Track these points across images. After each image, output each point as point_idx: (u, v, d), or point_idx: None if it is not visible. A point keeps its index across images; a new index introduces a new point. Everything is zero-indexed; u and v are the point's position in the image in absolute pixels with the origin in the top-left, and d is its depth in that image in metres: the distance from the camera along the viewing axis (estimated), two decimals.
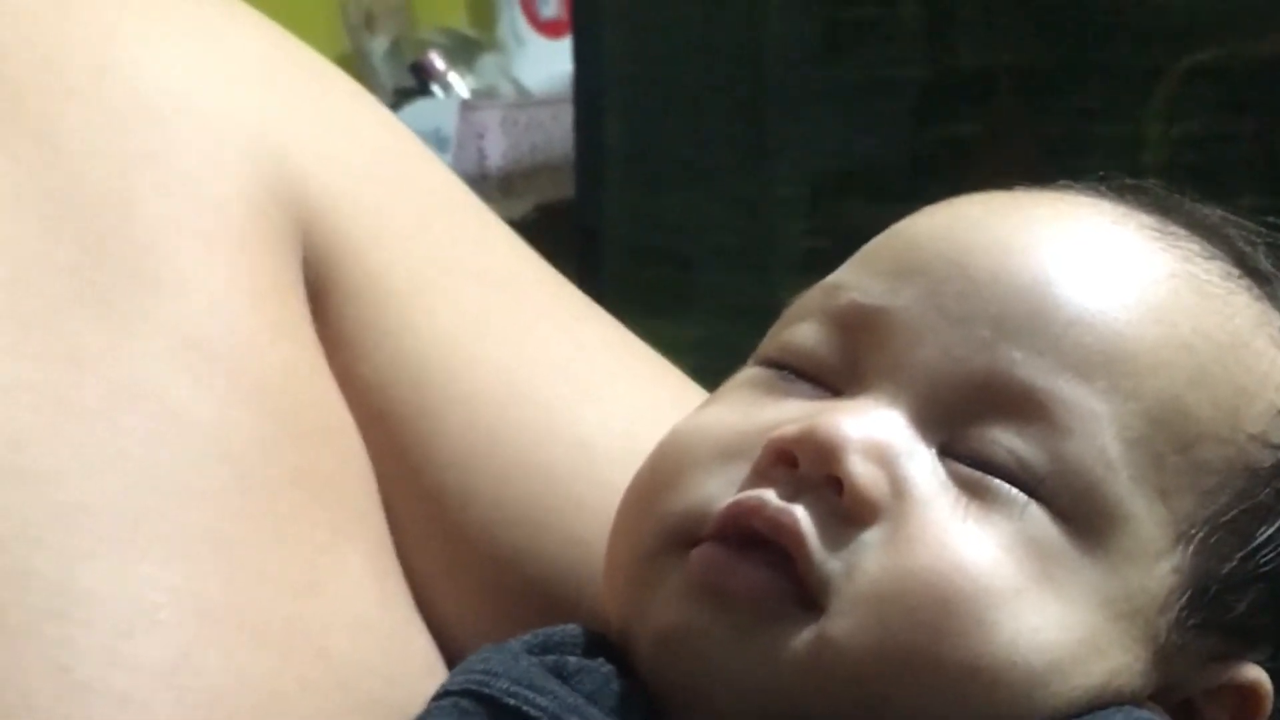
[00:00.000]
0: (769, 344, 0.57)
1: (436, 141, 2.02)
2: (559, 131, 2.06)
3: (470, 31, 2.39)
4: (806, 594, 0.51)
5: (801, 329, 0.55)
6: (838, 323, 0.55)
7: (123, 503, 0.51)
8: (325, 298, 0.58)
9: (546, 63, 2.26)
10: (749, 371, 0.56)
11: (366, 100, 0.62)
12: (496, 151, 2.03)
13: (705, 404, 0.57)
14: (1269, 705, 0.55)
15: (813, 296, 0.56)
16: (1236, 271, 0.56)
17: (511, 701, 0.52)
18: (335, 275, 0.58)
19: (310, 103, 0.60)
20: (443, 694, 0.53)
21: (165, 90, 0.56)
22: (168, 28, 0.57)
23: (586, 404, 0.61)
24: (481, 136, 2.05)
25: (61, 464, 0.50)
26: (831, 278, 0.56)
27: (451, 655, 0.58)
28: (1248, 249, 0.57)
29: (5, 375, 0.50)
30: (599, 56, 1.89)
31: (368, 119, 0.62)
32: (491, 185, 2.02)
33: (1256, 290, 0.56)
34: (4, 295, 0.51)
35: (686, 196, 2.04)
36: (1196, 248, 0.56)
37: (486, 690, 0.52)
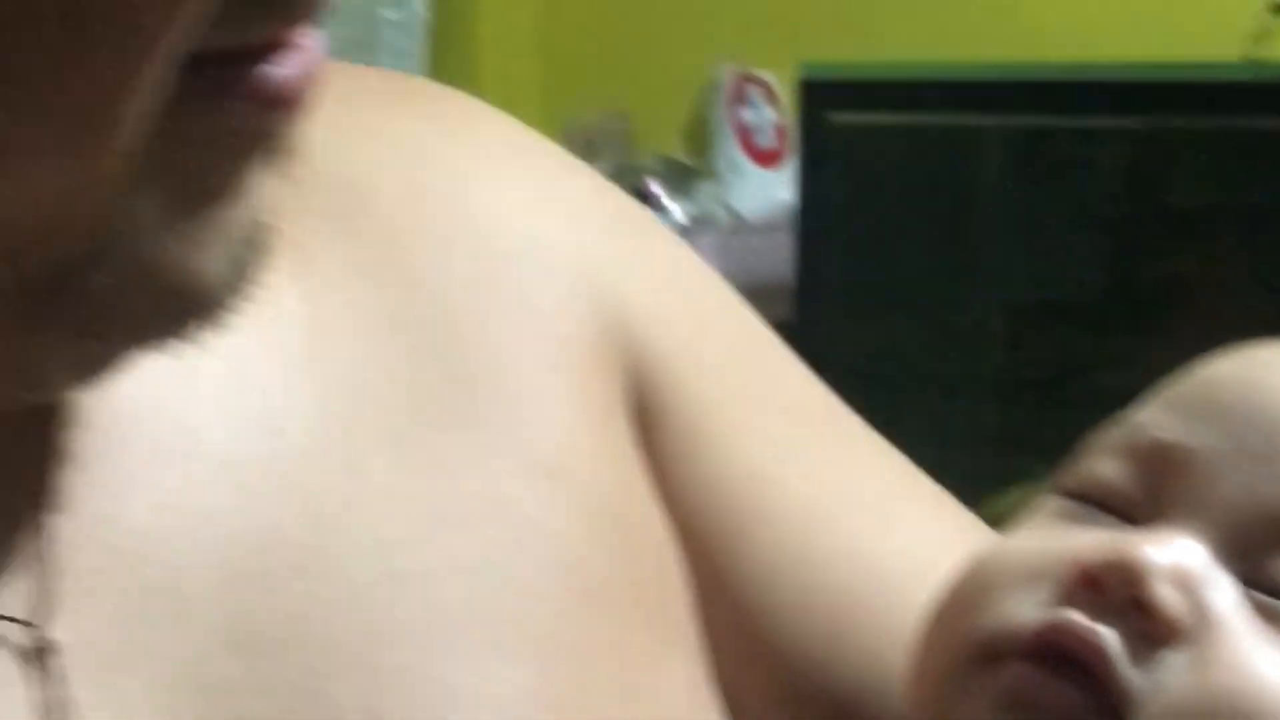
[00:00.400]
0: (1069, 477, 0.60)
1: None
2: (772, 257, 2.10)
3: (687, 160, 2.44)
4: (1113, 711, 0.55)
5: (1102, 464, 0.59)
6: (1139, 459, 0.58)
7: (484, 606, 0.55)
8: (648, 424, 0.62)
9: (761, 191, 2.31)
10: (1051, 502, 0.60)
11: (680, 243, 0.67)
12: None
13: (1009, 534, 0.60)
14: None
15: (1113, 433, 0.60)
16: None
17: None
18: (658, 404, 0.62)
19: (635, 245, 0.64)
20: None
21: (514, 232, 0.61)
22: (514, 176, 0.62)
23: (883, 531, 0.64)
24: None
25: (431, 567, 0.54)
26: (1132, 416, 0.60)
27: None
28: None
29: (384, 485, 0.55)
30: (822, 187, 1.93)
31: (682, 260, 0.66)
32: None
33: None
34: (387, 415, 0.56)
35: (896, 323, 2.08)
36: None
37: None
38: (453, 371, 0.58)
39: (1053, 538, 0.58)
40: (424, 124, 0.61)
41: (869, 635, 0.63)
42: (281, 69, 0.42)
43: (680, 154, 2.45)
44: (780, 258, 2.06)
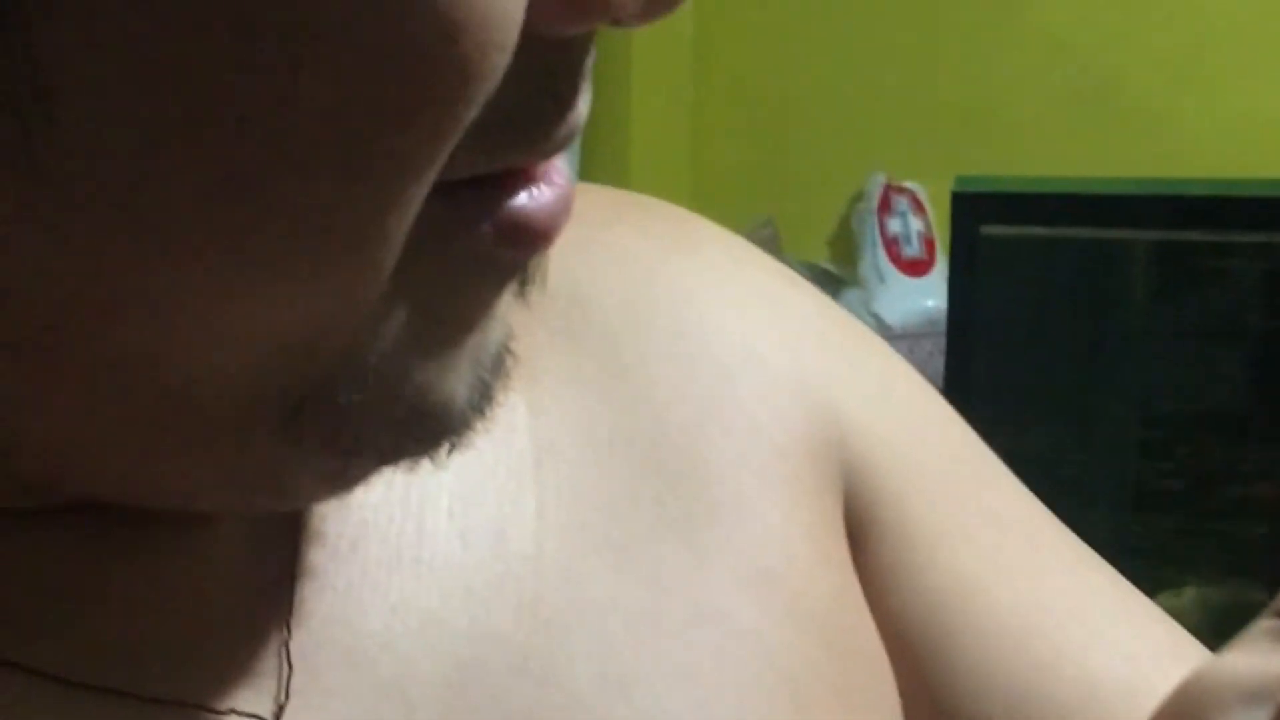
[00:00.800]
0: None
1: None
2: (916, 364, 2.12)
3: (833, 267, 2.47)
4: None
5: None
6: None
7: (701, 712, 0.55)
8: (864, 536, 0.63)
9: (907, 299, 2.33)
10: (1267, 623, 0.58)
11: (895, 356, 0.69)
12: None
13: (1225, 649, 0.59)
14: None
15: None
16: None
17: None
18: (871, 517, 0.64)
19: (851, 359, 0.66)
20: None
21: (733, 345, 0.62)
22: (736, 292, 0.64)
23: (1093, 644, 0.63)
24: None
25: (648, 673, 0.54)
26: None
27: None
28: None
29: (602, 592, 0.56)
30: (970, 296, 1.96)
31: (897, 374, 0.67)
32: None
33: None
34: (606, 523, 0.57)
35: (1039, 431, 2.10)
36: None
37: None
38: (670, 483, 0.58)
39: (1269, 659, 0.56)
40: (646, 240, 0.63)
41: None
42: (538, 202, 0.43)
43: (828, 262, 2.48)
44: (926, 365, 2.09)
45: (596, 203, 0.63)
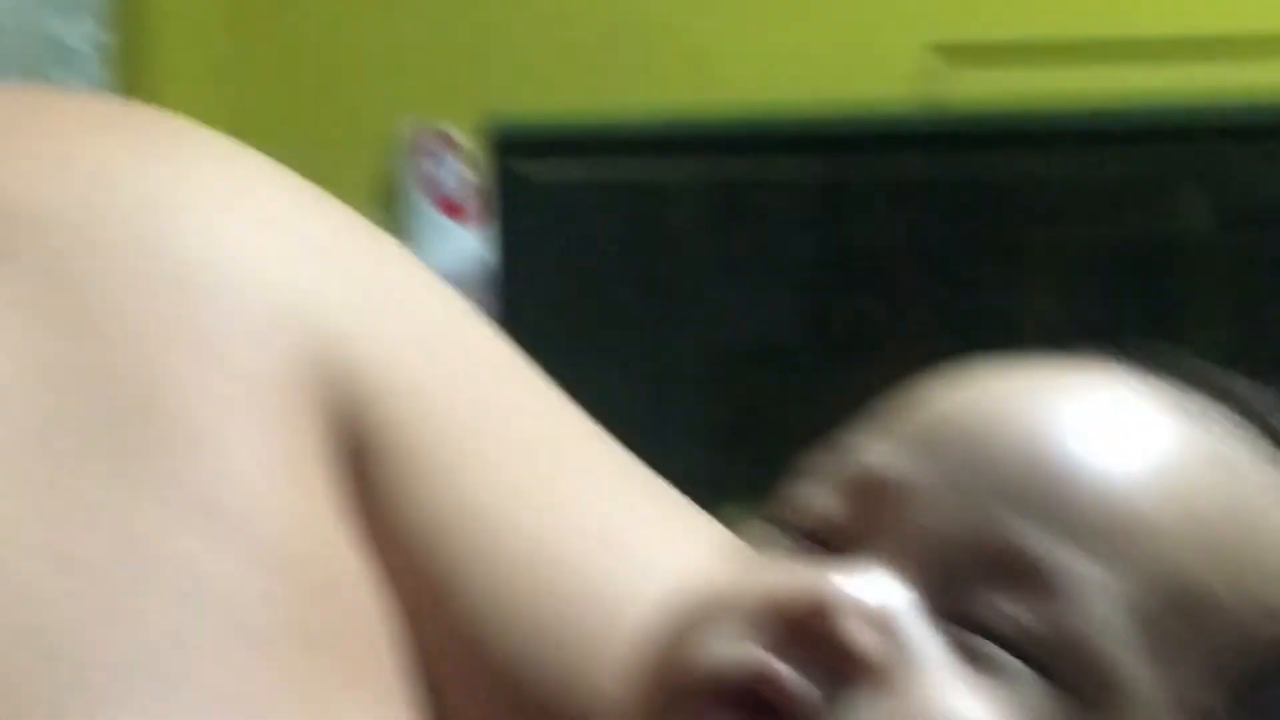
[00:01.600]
0: (778, 503, 0.58)
1: None
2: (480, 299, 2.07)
3: (375, 216, 2.40)
4: None
5: (810, 490, 0.57)
6: (848, 487, 0.56)
7: (136, 660, 0.52)
8: (364, 464, 0.60)
9: (451, 244, 2.28)
10: (761, 528, 0.58)
11: (421, 273, 0.64)
12: None
13: (718, 566, 0.59)
14: None
15: (825, 459, 0.58)
16: (1265, 445, 0.57)
17: None
18: (377, 444, 0.60)
19: (370, 285, 0.62)
20: None
21: (206, 267, 0.58)
22: (226, 212, 0.60)
23: (621, 566, 0.62)
24: None
25: (65, 620, 0.52)
26: (846, 442, 0.58)
27: None
28: (1275, 421, 0.58)
29: (16, 535, 0.52)
30: (516, 239, 1.92)
31: (419, 290, 0.64)
32: None
33: None
34: (29, 459, 0.53)
35: (591, 373, 2.07)
36: (1219, 419, 0.57)
37: None
38: (116, 414, 0.55)
39: (759, 572, 0.56)
40: (117, 150, 0.59)
41: (599, 677, 0.60)
42: None
43: (368, 210, 2.41)
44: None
45: (67, 110, 0.59)
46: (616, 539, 0.63)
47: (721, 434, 2.02)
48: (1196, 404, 0.57)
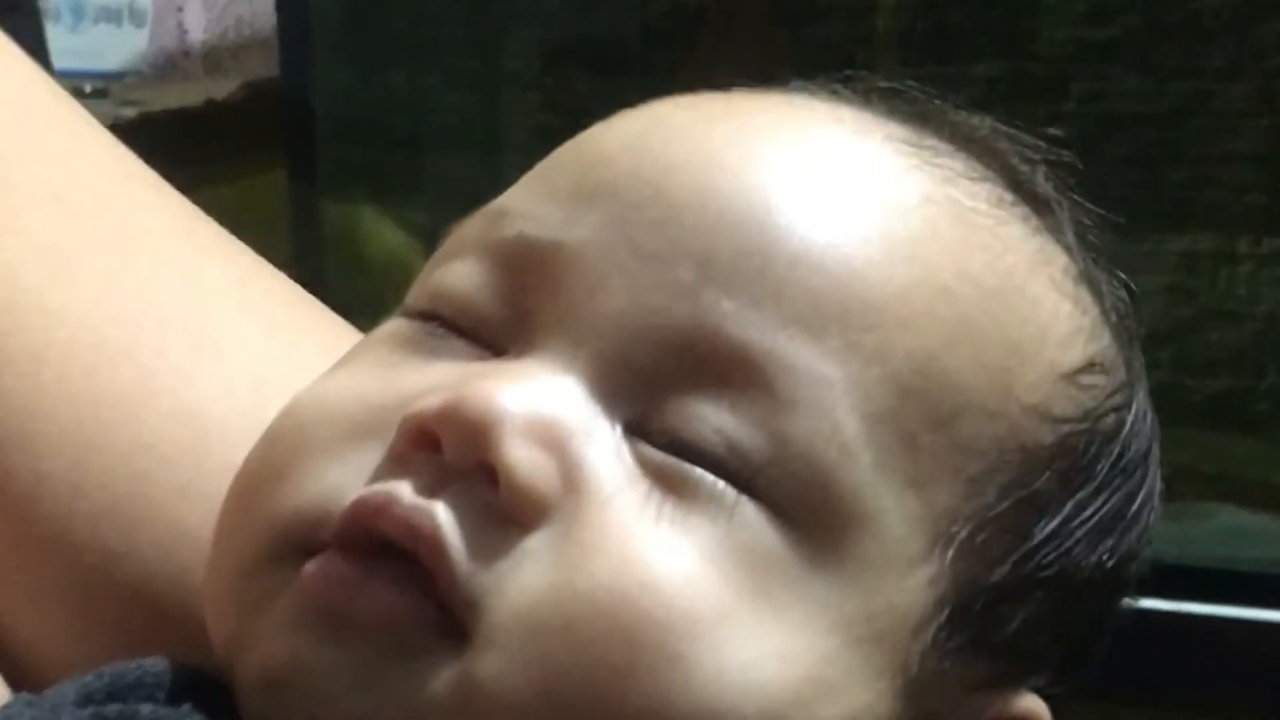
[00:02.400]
0: (417, 289, 0.44)
1: (132, 16, 1.85)
2: (267, 3, 1.90)
3: None
4: (449, 620, 0.39)
5: (457, 269, 0.43)
6: (502, 261, 0.42)
7: None
8: None
9: None
10: (391, 325, 0.44)
11: None
12: (197, 26, 1.87)
13: (334, 368, 0.44)
14: None
15: (473, 227, 0.44)
16: (1010, 196, 0.44)
17: None
18: None
19: None
20: None
21: None
22: None
23: (203, 362, 0.49)
24: (180, 9, 1.89)
25: None
26: (496, 202, 0.44)
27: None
28: (1024, 168, 0.45)
29: None
30: None
31: None
32: (195, 62, 1.86)
33: (1034, 220, 0.44)
34: None
35: (409, 72, 1.92)
36: (960, 166, 0.43)
37: None
38: None
39: (387, 377, 0.42)
40: None
41: (178, 510, 0.47)
42: None
43: None
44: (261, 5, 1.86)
45: None
46: (200, 327, 0.49)
47: (548, 137, 1.88)
48: (936, 148, 0.44)
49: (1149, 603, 0.46)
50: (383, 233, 1.69)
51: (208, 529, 0.44)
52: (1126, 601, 0.45)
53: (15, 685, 0.46)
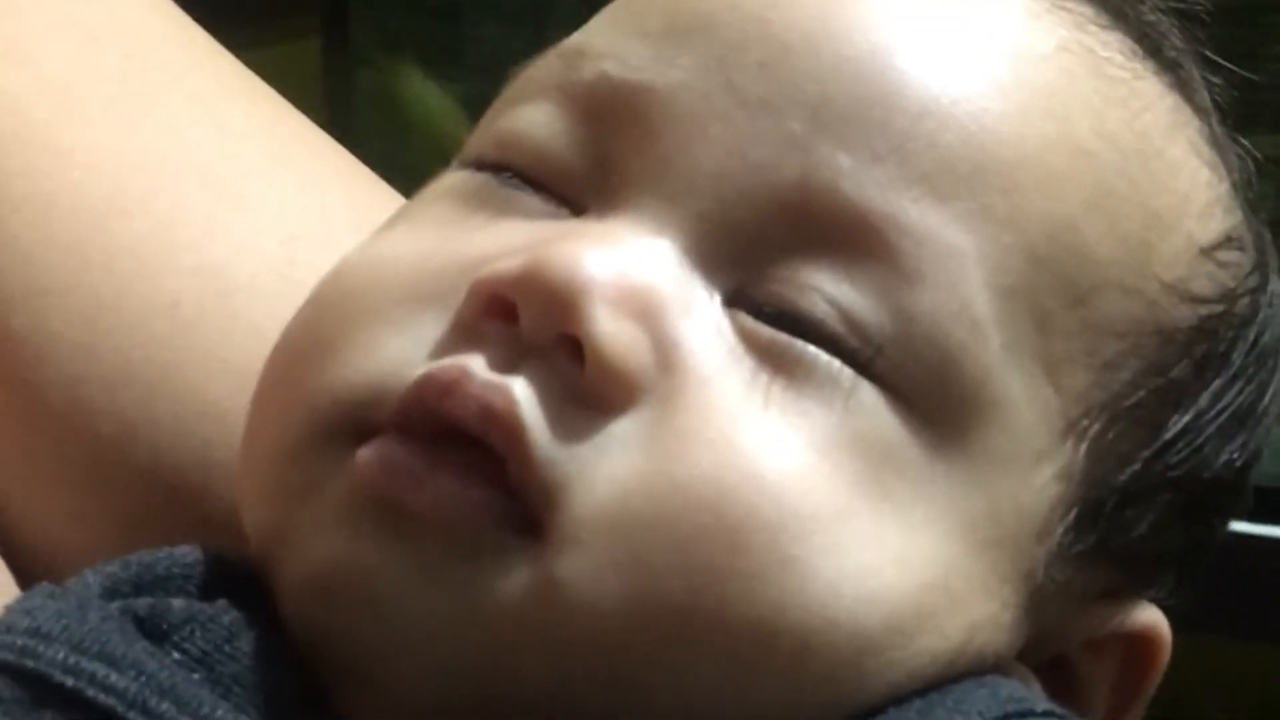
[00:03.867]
0: (483, 135, 0.39)
1: None
2: None
3: None
4: (525, 512, 0.35)
5: (529, 114, 0.38)
6: (582, 106, 0.38)
7: None
8: None
9: None
10: (452, 178, 0.39)
11: None
12: None
13: (388, 225, 0.39)
14: (1165, 658, 0.39)
15: (546, 67, 0.39)
16: (1140, 49, 0.39)
17: (70, 682, 0.34)
18: None
19: None
20: None
21: None
22: None
23: (228, 214, 0.44)
24: None
25: None
26: (573, 39, 0.39)
27: (35, 577, 0.41)
28: (1152, 19, 0.40)
29: None
30: None
31: None
32: None
33: (1167, 76, 0.39)
34: None
35: None
36: (1090, 11, 0.39)
37: (30, 664, 0.35)
38: None
39: (452, 236, 0.37)
40: None
41: (199, 377, 0.43)
42: None
43: None
44: None
45: None
46: (223, 174, 0.44)
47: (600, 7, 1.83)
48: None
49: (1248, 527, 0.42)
50: (424, 98, 1.64)
51: (233, 400, 0.41)
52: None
53: (15, 569, 0.41)
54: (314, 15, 1.67)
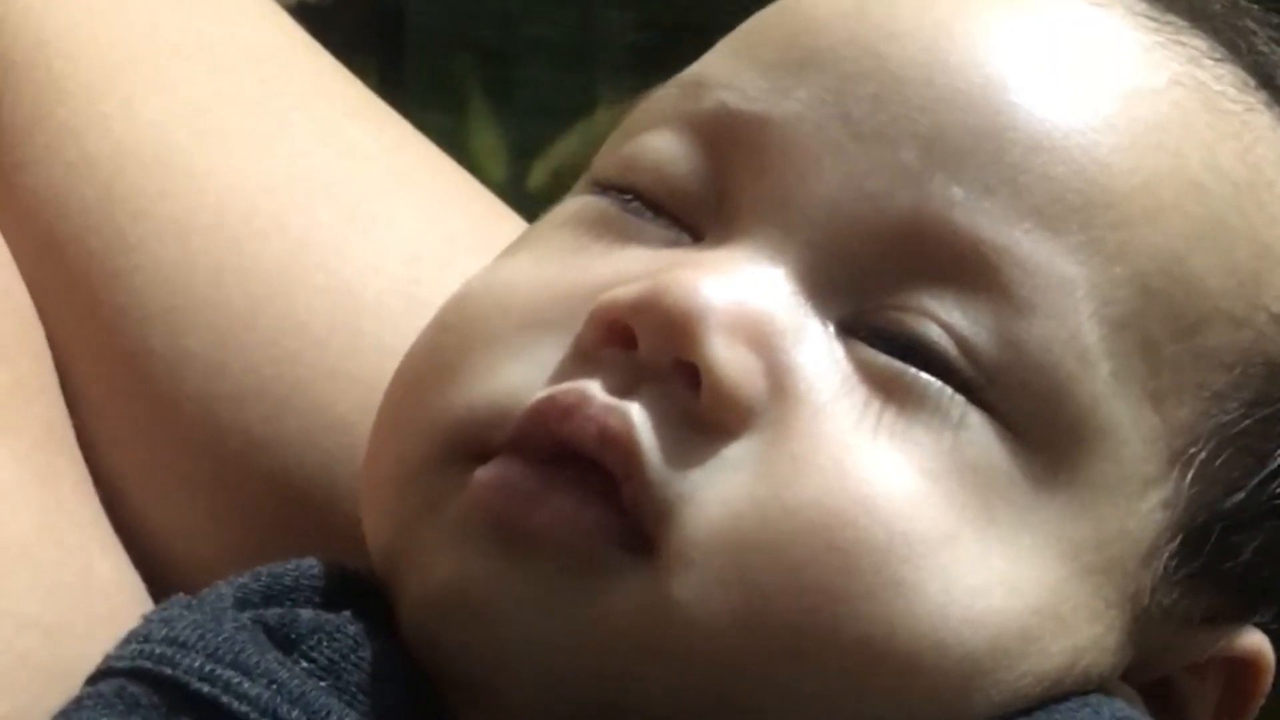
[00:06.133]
0: (606, 159, 0.40)
1: None
2: None
3: None
4: (638, 532, 0.35)
5: (652, 141, 0.39)
6: (702, 135, 0.38)
7: None
8: None
9: None
10: (576, 203, 0.40)
11: None
12: None
13: (511, 250, 0.40)
14: (1269, 682, 0.40)
15: (666, 97, 0.40)
16: (1253, 81, 0.40)
17: (205, 689, 0.35)
18: (11, 61, 0.44)
19: None
20: (106, 671, 0.37)
21: None
22: None
23: (355, 235, 0.45)
24: None
25: None
26: (691, 70, 0.40)
27: (168, 587, 0.42)
28: (1266, 50, 0.41)
29: None
30: None
31: None
32: None
33: (1278, 109, 0.40)
34: None
35: None
36: (1203, 44, 0.39)
37: (169, 672, 0.36)
38: None
39: (573, 262, 0.38)
40: None
41: (326, 393, 0.44)
42: None
43: None
44: None
45: None
46: (351, 197, 0.45)
47: (644, 57, 1.84)
48: (1176, 24, 0.40)
49: None
50: (481, 139, 1.65)
51: (359, 416, 0.41)
52: None
53: (148, 578, 0.42)
54: (371, 56, 1.69)
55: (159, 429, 0.43)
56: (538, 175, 1.56)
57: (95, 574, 0.41)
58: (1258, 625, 0.40)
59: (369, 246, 0.44)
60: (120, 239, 0.43)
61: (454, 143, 1.74)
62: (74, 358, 0.43)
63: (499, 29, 1.86)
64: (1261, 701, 0.40)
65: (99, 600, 0.40)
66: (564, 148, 1.56)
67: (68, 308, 0.43)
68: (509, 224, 0.45)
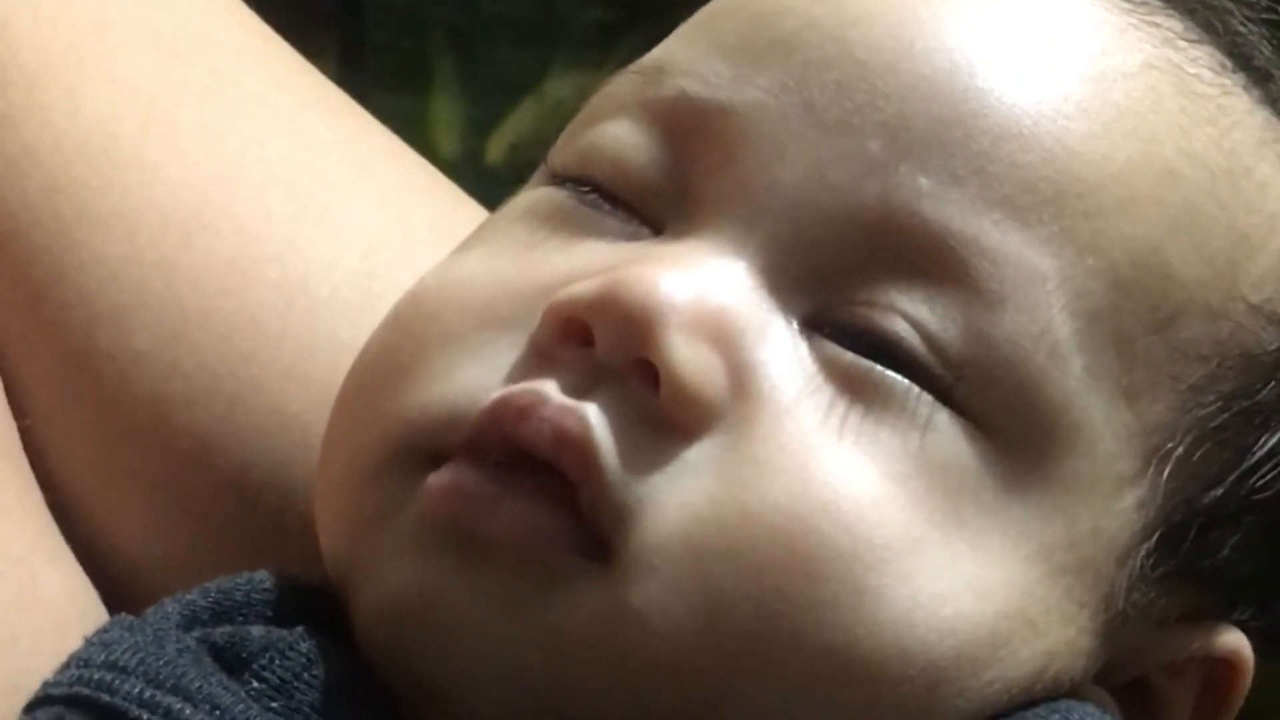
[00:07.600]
0: (564, 150, 0.39)
1: None
2: None
3: None
4: (595, 537, 0.34)
5: (610, 130, 0.38)
6: (662, 124, 0.37)
7: None
8: None
9: None
10: (533, 195, 0.39)
11: None
12: None
13: (466, 245, 0.39)
14: (1247, 682, 0.39)
15: (626, 84, 0.38)
16: (1229, 62, 0.39)
17: (144, 716, 0.34)
18: None
19: None
20: (44, 699, 0.36)
21: None
22: None
23: (310, 228, 0.44)
24: None
25: None
26: (652, 56, 0.39)
27: (121, 591, 0.41)
28: (1243, 30, 0.39)
29: None
30: None
31: None
32: None
33: (1255, 91, 0.39)
34: None
35: None
36: (1178, 26, 0.38)
37: (107, 699, 0.35)
38: None
39: (529, 257, 0.37)
40: None
41: (280, 392, 0.43)
42: None
43: None
44: None
45: None
46: (306, 189, 0.44)
47: (606, 35, 1.83)
48: (1150, 4, 0.38)
49: None
50: (439, 119, 1.64)
51: (314, 415, 0.40)
52: None
53: (99, 583, 0.41)
54: (330, 33, 1.67)
55: (109, 430, 0.42)
56: (494, 149, 1.55)
57: (42, 586, 0.40)
58: (1236, 623, 0.39)
59: (324, 240, 0.43)
60: (65, 235, 0.42)
61: (414, 121, 1.74)
62: (19, 359, 0.42)
63: (460, 6, 1.85)
64: (1240, 702, 0.39)
65: (45, 613, 0.39)
66: (518, 121, 1.55)
67: (11, 307, 0.42)
68: (472, 215, 0.44)
